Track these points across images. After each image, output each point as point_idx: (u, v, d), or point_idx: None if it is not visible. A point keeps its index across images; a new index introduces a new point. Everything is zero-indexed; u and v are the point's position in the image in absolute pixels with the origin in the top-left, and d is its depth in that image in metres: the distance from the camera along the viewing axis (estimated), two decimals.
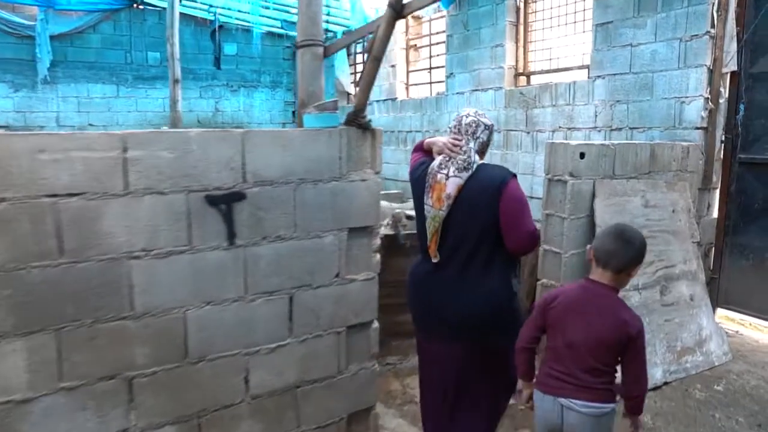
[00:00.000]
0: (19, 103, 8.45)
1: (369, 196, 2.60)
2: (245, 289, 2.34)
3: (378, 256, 2.68)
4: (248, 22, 9.34)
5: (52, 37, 8.27)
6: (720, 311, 4.52)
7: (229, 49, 9.42)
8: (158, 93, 9.09)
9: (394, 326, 3.63)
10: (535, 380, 2.01)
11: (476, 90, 6.43)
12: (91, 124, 8.88)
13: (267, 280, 2.40)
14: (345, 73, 9.17)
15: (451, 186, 2.07)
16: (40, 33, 8.13)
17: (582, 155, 3.42)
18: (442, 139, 2.26)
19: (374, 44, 2.41)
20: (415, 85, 7.98)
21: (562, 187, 3.43)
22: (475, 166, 2.12)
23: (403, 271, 3.49)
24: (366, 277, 2.65)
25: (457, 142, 2.17)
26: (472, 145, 2.14)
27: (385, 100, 8.23)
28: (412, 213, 2.45)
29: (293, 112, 10.58)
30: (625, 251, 1.86)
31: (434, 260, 2.20)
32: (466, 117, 2.20)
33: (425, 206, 2.18)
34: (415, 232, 2.44)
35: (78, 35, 8.60)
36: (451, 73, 6.80)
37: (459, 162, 2.11)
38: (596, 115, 5.04)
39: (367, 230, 2.63)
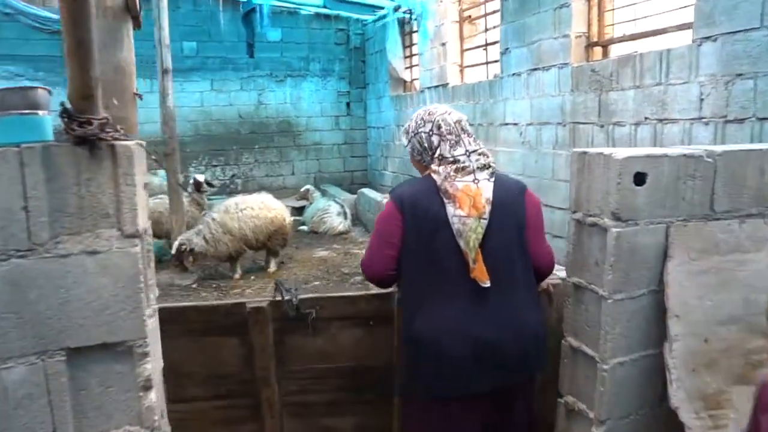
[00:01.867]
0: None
1: (112, 284, 1.27)
2: None
3: (151, 396, 1.34)
4: (293, 3, 8.25)
5: None
6: None
7: (273, 35, 8.39)
8: (195, 86, 8.39)
9: None
10: None
11: (536, 69, 4.75)
12: None
13: None
14: (398, 56, 7.77)
15: (487, 189, 1.76)
16: None
17: (640, 178, 1.78)
18: None
19: None
20: (471, 66, 6.37)
21: (600, 238, 1.82)
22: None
23: (314, 353, 2.46)
24: None
25: None
26: (481, 143, 1.87)
27: (436, 86, 6.71)
28: None
29: (347, 104, 9.37)
30: None
31: (485, 284, 1.74)
32: (448, 115, 1.86)
33: (454, 218, 1.73)
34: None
35: None
36: (507, 49, 5.17)
37: (487, 165, 1.81)
38: (701, 100, 3.22)
39: (119, 349, 1.30)
